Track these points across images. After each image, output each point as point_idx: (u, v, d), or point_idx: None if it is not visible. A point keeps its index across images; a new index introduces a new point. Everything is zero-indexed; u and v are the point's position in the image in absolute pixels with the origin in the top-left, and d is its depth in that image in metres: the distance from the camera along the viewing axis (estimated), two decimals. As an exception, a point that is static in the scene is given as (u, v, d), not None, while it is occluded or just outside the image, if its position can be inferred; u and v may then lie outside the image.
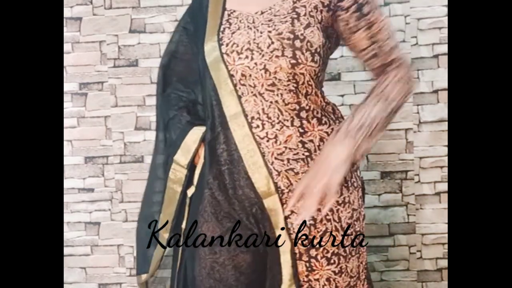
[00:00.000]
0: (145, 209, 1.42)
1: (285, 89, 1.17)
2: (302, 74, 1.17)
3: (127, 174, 2.05)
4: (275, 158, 1.19)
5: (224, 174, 1.22)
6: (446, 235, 1.95)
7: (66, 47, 2.04)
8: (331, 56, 1.93)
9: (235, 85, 1.20)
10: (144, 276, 1.37)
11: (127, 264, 2.07)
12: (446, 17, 1.91)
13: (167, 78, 1.40)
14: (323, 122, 1.22)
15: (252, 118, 1.19)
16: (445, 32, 1.92)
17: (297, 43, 1.15)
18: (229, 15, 1.25)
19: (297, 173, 1.19)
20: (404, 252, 1.99)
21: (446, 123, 1.92)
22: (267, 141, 1.18)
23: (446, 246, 1.96)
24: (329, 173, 1.11)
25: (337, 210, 1.20)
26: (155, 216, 1.37)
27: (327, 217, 1.19)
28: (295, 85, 1.18)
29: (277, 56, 1.16)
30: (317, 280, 1.20)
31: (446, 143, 1.93)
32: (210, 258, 1.22)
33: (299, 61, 1.15)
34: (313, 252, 1.20)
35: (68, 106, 2.05)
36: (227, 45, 1.20)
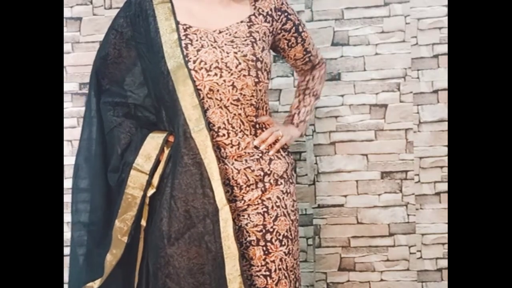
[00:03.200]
0: (94, 212, 1.46)
1: (247, 104, 1.36)
2: (260, 90, 1.37)
3: (127, 174, 2.04)
4: (235, 160, 1.36)
5: (186, 174, 1.30)
6: (446, 235, 1.95)
7: (66, 47, 2.04)
8: (331, 56, 1.96)
9: (202, 99, 1.32)
10: (98, 281, 1.40)
11: (127, 264, 2.07)
12: (446, 17, 1.91)
13: (102, 82, 1.44)
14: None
15: (219, 128, 1.35)
16: (445, 32, 1.92)
17: (259, 65, 1.35)
18: (185, 30, 1.35)
19: (253, 170, 1.37)
20: (404, 252, 1.99)
21: (446, 123, 1.92)
22: (231, 147, 1.36)
23: (446, 246, 1.96)
24: (286, 138, 1.47)
25: (283, 199, 1.40)
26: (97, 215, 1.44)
27: (276, 203, 1.38)
28: (256, 100, 1.37)
29: (244, 75, 1.33)
30: (273, 261, 1.37)
31: (446, 143, 1.93)
32: (169, 249, 1.30)
33: (260, 79, 1.35)
34: (268, 236, 1.36)
35: (68, 106, 2.05)
36: (194, 62, 1.32)
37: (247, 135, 1.37)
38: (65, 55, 2.03)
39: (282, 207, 1.39)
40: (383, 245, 1.99)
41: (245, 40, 1.35)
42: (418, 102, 1.95)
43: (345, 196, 1.99)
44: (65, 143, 2.05)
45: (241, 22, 1.38)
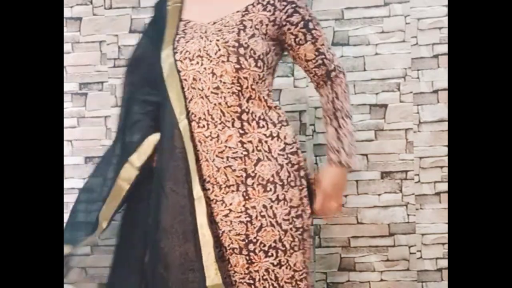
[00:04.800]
0: (89, 183, 1.55)
1: (228, 92, 1.31)
2: (246, 78, 1.31)
3: (127, 174, 2.05)
4: (216, 156, 1.33)
5: (174, 167, 1.34)
6: (446, 235, 1.95)
7: (66, 47, 2.04)
8: (331, 56, 1.95)
9: (186, 89, 1.35)
10: (69, 247, 1.47)
11: (127, 264, 2.07)
12: (446, 17, 1.91)
13: (134, 81, 1.51)
14: (261, 125, 1.34)
15: (199, 118, 1.33)
16: (445, 32, 1.92)
17: (241, 50, 1.30)
18: (185, 25, 1.41)
19: (234, 170, 1.32)
20: (404, 252, 1.99)
21: (446, 123, 1.92)
22: (211, 139, 1.32)
23: (446, 246, 1.96)
24: (338, 198, 1.43)
25: (271, 207, 1.33)
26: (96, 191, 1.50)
27: (261, 213, 1.32)
28: (238, 88, 1.32)
29: (223, 61, 1.31)
30: (257, 271, 1.33)
31: (446, 143, 1.93)
32: (166, 241, 1.34)
33: (243, 66, 1.30)
34: (251, 246, 1.32)
35: (68, 106, 2.05)
36: (180, 52, 1.35)
37: (228, 127, 1.32)
38: (65, 55, 2.03)
39: (269, 216, 1.32)
40: (383, 245, 1.99)
41: (232, 28, 1.33)
42: (418, 102, 1.95)
43: (345, 196, 1.99)
44: (65, 143, 2.06)
45: (237, 12, 1.36)
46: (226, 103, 1.32)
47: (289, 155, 1.36)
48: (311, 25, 1.38)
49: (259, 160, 1.33)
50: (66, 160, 2.06)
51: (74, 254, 1.50)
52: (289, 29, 1.37)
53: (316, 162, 2.00)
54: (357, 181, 1.99)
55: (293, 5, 1.36)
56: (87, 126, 2.06)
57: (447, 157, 1.94)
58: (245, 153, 1.32)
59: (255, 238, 1.32)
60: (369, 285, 2.01)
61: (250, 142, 1.33)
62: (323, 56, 1.41)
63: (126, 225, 1.52)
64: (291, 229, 1.33)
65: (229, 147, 1.32)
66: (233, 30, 1.33)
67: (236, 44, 1.30)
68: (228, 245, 1.34)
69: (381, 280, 2.00)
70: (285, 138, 1.36)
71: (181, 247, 1.33)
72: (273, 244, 1.32)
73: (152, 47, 1.44)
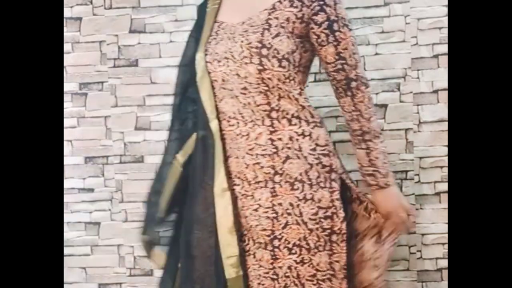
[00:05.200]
0: (155, 186, 1.56)
1: (256, 92, 1.32)
2: (270, 78, 1.31)
3: (127, 174, 2.05)
4: (246, 153, 1.35)
5: (210, 164, 1.39)
6: (446, 235, 1.95)
7: (66, 47, 2.04)
8: (331, 56, 1.95)
9: (217, 90, 1.38)
10: (146, 237, 1.54)
11: (127, 264, 2.07)
12: (446, 17, 1.91)
13: (186, 80, 1.52)
14: (293, 123, 1.34)
15: (230, 117, 1.37)
16: (445, 32, 1.92)
17: (264, 51, 1.30)
18: (218, 26, 1.42)
19: (262, 167, 1.34)
20: (404, 252, 1.99)
21: (446, 123, 1.92)
22: (241, 137, 1.35)
23: (446, 246, 1.96)
24: (400, 211, 1.42)
25: (298, 205, 1.34)
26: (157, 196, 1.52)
27: (287, 211, 1.34)
28: (265, 88, 1.32)
29: (246, 63, 1.32)
30: (280, 267, 1.35)
31: (446, 143, 1.93)
32: (196, 233, 1.39)
33: (265, 67, 1.30)
34: (276, 242, 1.34)
35: (68, 106, 2.05)
36: (210, 54, 1.39)
37: (258, 125, 1.33)
38: (65, 55, 2.03)
39: (296, 214, 1.34)
40: (383, 245, 1.99)
41: (258, 28, 1.32)
42: (418, 102, 1.95)
43: (345, 196, 1.99)
44: (65, 143, 2.05)
45: (264, 10, 1.34)
46: (255, 102, 1.33)
47: (320, 156, 1.36)
48: (335, 26, 1.32)
49: (287, 157, 1.33)
50: (66, 160, 2.06)
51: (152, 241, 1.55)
52: (312, 28, 1.33)
53: (316, 162, 2.00)
54: (357, 181, 1.99)
55: (321, 2, 1.31)
56: (87, 126, 2.05)
57: (447, 157, 1.93)
58: (274, 150, 1.33)
59: (280, 234, 1.34)
60: (369, 285, 2.01)
61: (280, 139, 1.34)
62: (344, 61, 1.34)
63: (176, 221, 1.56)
64: (317, 229, 1.34)
65: (259, 145, 1.34)
66: (258, 30, 1.32)
67: (259, 45, 1.30)
68: (255, 239, 1.37)
69: (381, 280, 2.00)
70: (317, 138, 1.36)
71: (209, 239, 1.36)
72: (298, 242, 1.34)
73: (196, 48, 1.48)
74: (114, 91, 2.04)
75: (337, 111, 1.98)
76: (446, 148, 1.93)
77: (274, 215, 1.34)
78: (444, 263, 1.97)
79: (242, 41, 1.33)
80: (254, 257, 1.37)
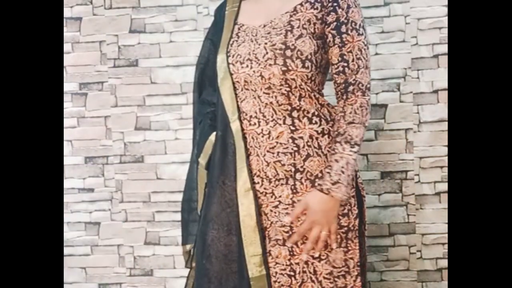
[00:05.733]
0: (186, 193, 1.59)
1: (279, 92, 1.35)
2: (293, 79, 1.34)
3: (127, 174, 2.05)
4: (267, 151, 1.37)
5: (229, 163, 1.40)
6: (446, 235, 1.95)
7: (66, 47, 2.04)
8: (331, 56, 1.95)
9: (239, 91, 1.40)
10: (188, 246, 1.56)
11: (127, 264, 2.07)
12: (446, 17, 1.91)
13: (202, 82, 1.56)
14: (313, 121, 1.36)
15: (251, 117, 1.38)
16: (445, 32, 1.92)
17: (288, 53, 1.32)
18: (239, 29, 1.44)
19: (283, 165, 1.36)
20: (404, 252, 1.99)
21: (446, 123, 1.92)
22: (262, 136, 1.37)
23: (446, 246, 1.96)
24: (325, 226, 1.33)
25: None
26: (193, 199, 1.55)
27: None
28: (288, 88, 1.35)
29: (270, 65, 1.34)
30: (297, 264, 1.36)
31: (446, 143, 1.93)
32: (212, 232, 1.41)
33: (290, 68, 1.33)
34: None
35: (68, 106, 2.05)
36: (232, 56, 1.40)
37: (279, 124, 1.35)
38: (65, 55, 2.03)
39: None
40: (383, 245, 1.99)
41: (280, 30, 1.35)
42: (418, 102, 1.95)
43: (345, 196, 1.99)
44: (65, 143, 2.06)
45: (286, 13, 1.37)
46: (277, 102, 1.35)
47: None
48: (343, 28, 1.32)
49: (308, 155, 1.35)
50: (66, 160, 2.06)
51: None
52: (323, 28, 1.35)
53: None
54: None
55: (335, 4, 1.33)
56: (87, 126, 2.06)
57: (447, 157, 1.94)
58: (295, 148, 1.35)
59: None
60: (369, 285, 2.01)
61: (301, 138, 1.36)
62: (346, 64, 1.34)
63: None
64: (339, 226, 1.35)
65: (280, 143, 1.36)
66: (281, 32, 1.35)
67: (283, 47, 1.33)
68: (273, 237, 1.37)
69: (381, 280, 2.00)
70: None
71: (226, 238, 1.38)
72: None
73: (214, 50, 1.49)
74: (114, 91, 2.04)
75: (337, 111, 1.99)
76: (446, 148, 1.93)
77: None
78: (444, 263, 1.97)
79: (265, 43, 1.35)
80: (270, 255, 1.37)
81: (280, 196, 1.37)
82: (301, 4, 1.37)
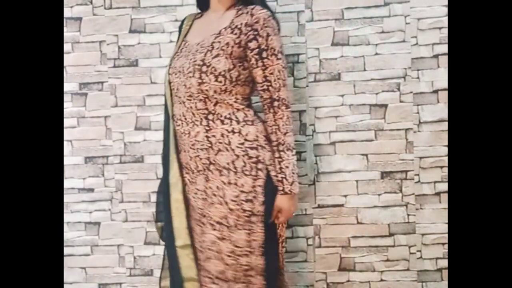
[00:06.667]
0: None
1: (197, 99, 1.59)
2: (207, 90, 1.57)
3: (127, 174, 2.05)
4: (190, 148, 1.62)
5: (167, 155, 1.67)
6: (446, 235, 1.95)
7: (66, 47, 2.04)
8: (331, 56, 1.96)
9: (173, 97, 1.66)
10: (159, 224, 1.76)
11: (127, 264, 2.07)
12: (446, 17, 1.91)
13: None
14: (225, 122, 1.59)
15: (178, 119, 1.65)
16: (445, 32, 1.92)
17: (204, 68, 1.57)
18: (184, 45, 1.69)
19: (201, 159, 1.60)
20: (404, 252, 1.99)
21: (446, 123, 1.92)
22: (185, 135, 1.63)
23: (446, 246, 1.96)
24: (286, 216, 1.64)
25: (223, 188, 1.57)
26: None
27: (214, 192, 1.58)
28: (204, 96, 1.59)
29: (190, 77, 1.59)
30: (203, 241, 1.59)
31: (446, 143, 1.93)
32: (163, 217, 1.72)
33: (204, 81, 1.57)
34: (204, 219, 1.60)
35: (68, 106, 2.05)
36: (172, 67, 1.67)
37: (197, 125, 1.60)
38: (65, 55, 2.03)
39: (220, 196, 1.57)
40: (383, 245, 1.99)
41: (204, 49, 1.59)
42: (418, 102, 1.95)
43: (345, 196, 1.99)
44: (65, 143, 2.06)
45: (213, 34, 1.61)
46: (196, 107, 1.60)
47: (248, 149, 1.58)
48: (264, 54, 1.57)
49: (219, 150, 1.59)
50: (66, 160, 2.06)
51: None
52: (246, 52, 1.58)
53: (316, 162, 2.00)
54: (357, 181, 1.99)
55: (255, 33, 1.57)
56: (87, 126, 2.06)
57: (447, 157, 1.94)
58: (209, 145, 1.59)
59: (207, 212, 1.59)
60: (369, 285, 2.01)
61: (214, 136, 1.59)
62: (269, 84, 1.58)
63: None
64: (237, 209, 1.56)
65: (198, 141, 1.60)
66: (203, 51, 1.59)
67: (201, 63, 1.57)
68: (193, 216, 1.63)
69: (381, 280, 2.00)
70: (246, 135, 1.59)
71: (167, 219, 1.65)
72: (220, 220, 1.57)
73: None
74: (114, 91, 2.04)
75: (337, 111, 1.99)
76: (446, 148, 1.93)
77: (205, 196, 1.59)
78: (444, 263, 1.97)
79: (191, 59, 1.60)
80: (193, 230, 1.63)
81: (198, 184, 1.61)
82: (225, 28, 1.60)
